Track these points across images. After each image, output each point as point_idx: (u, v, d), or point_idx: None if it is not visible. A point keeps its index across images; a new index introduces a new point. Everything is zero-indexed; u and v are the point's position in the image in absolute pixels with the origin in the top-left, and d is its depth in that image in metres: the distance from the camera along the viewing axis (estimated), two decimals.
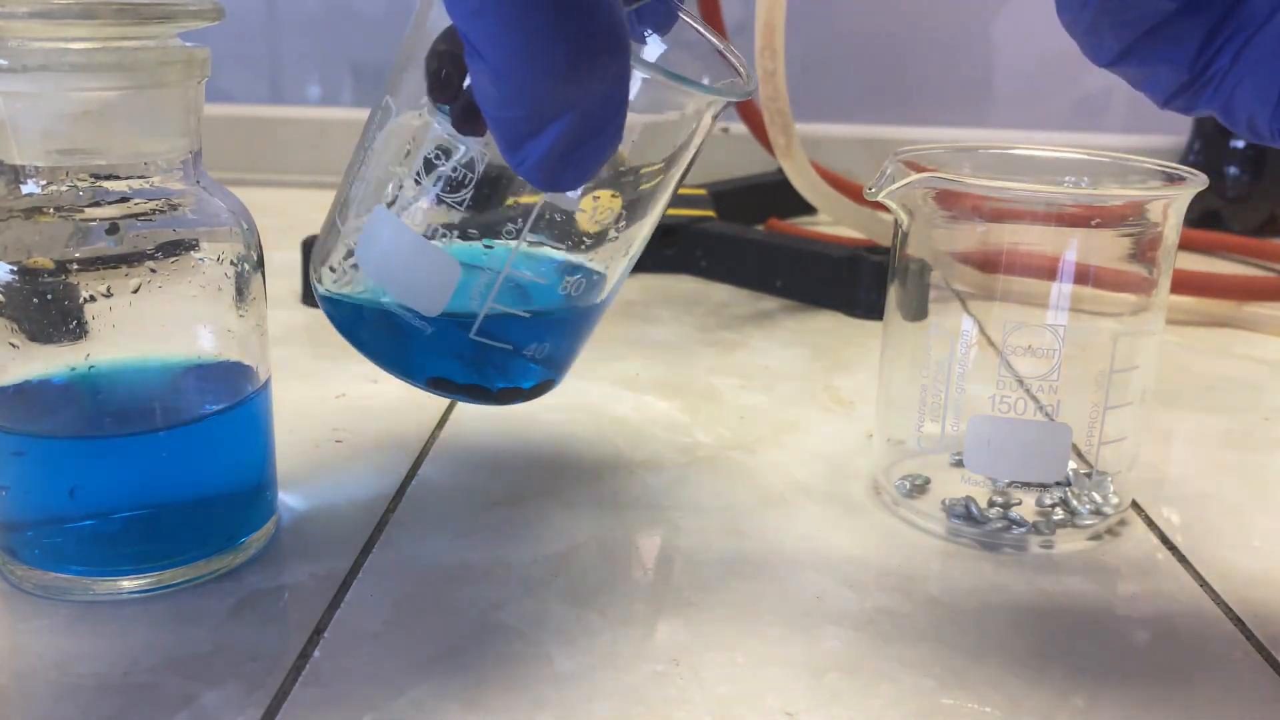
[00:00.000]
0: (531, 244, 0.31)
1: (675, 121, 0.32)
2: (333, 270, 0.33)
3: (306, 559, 0.35)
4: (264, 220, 0.35)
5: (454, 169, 0.30)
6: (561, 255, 0.32)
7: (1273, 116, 0.26)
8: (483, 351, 0.32)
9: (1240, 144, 0.89)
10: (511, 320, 0.32)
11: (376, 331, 0.33)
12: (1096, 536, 0.38)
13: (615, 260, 0.34)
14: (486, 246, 0.31)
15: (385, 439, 0.44)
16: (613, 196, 0.31)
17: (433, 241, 0.31)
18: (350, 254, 0.33)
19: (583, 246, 0.32)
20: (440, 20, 0.30)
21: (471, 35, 0.22)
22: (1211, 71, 0.27)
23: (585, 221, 0.31)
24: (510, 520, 0.38)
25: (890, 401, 0.40)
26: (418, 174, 0.31)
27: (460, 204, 0.30)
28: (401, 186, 0.31)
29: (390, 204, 0.31)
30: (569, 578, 0.34)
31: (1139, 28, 0.26)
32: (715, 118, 0.32)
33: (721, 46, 0.34)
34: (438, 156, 0.30)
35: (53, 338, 0.31)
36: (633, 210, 0.32)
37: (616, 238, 0.32)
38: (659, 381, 0.52)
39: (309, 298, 0.63)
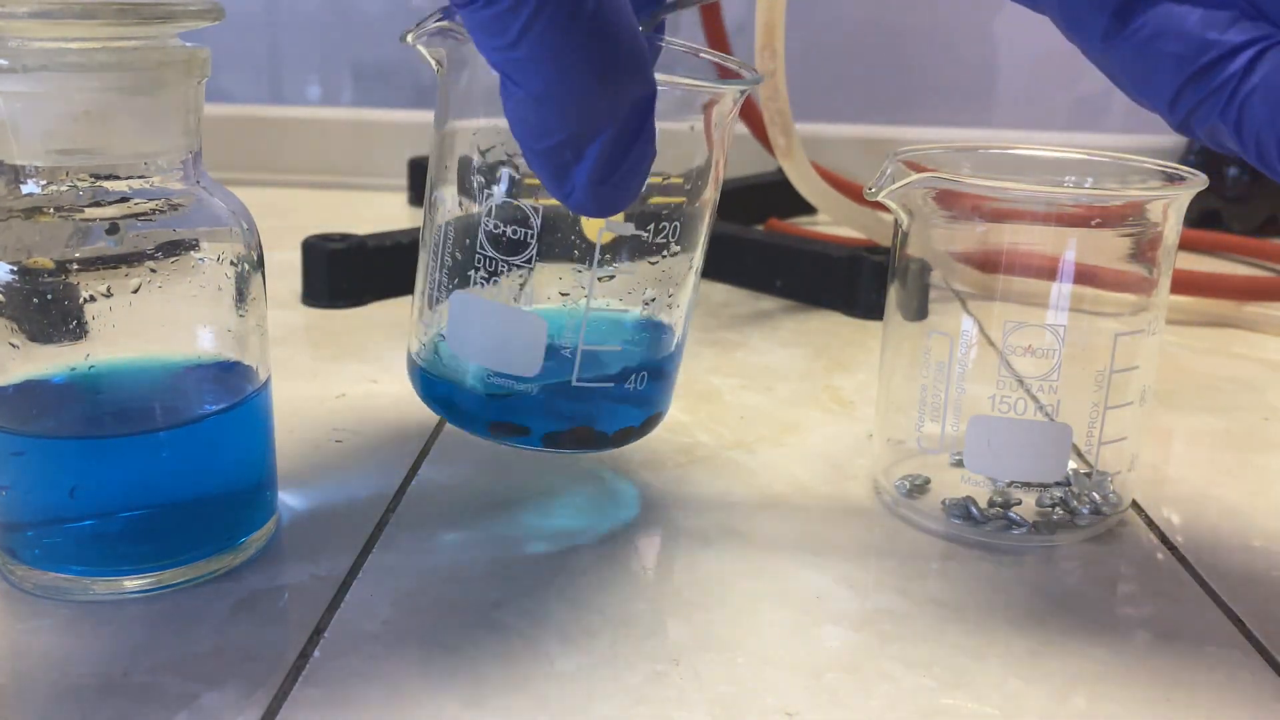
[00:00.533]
0: (602, 279, 0.32)
1: (692, 132, 0.33)
2: (430, 364, 0.35)
3: (306, 559, 0.35)
4: (264, 220, 0.35)
5: (514, 232, 0.32)
6: (633, 278, 0.33)
7: None
8: (588, 397, 0.34)
9: None
10: (606, 357, 0.34)
11: (488, 409, 0.34)
12: (1096, 536, 0.38)
13: (685, 276, 0.35)
14: (563, 295, 0.33)
15: (385, 439, 0.44)
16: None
17: (513, 305, 0.32)
18: (437, 349, 0.34)
19: (650, 263, 0.33)
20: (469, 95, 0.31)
21: (507, 68, 0.23)
22: (1224, 76, 0.23)
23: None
24: (510, 520, 0.38)
25: (890, 401, 0.40)
26: (480, 248, 0.32)
27: (528, 262, 0.32)
28: (470, 266, 0.33)
29: (464, 285, 0.33)
30: (569, 578, 0.34)
31: None
32: (736, 103, 0.33)
33: (717, 58, 0.35)
34: (495, 227, 0.32)
35: (53, 338, 0.31)
36: (685, 220, 0.33)
37: (679, 251, 0.34)
38: None
39: (309, 297, 0.63)
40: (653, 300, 0.34)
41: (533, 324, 0.32)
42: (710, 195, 0.34)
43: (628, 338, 0.35)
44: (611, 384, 0.34)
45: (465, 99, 0.33)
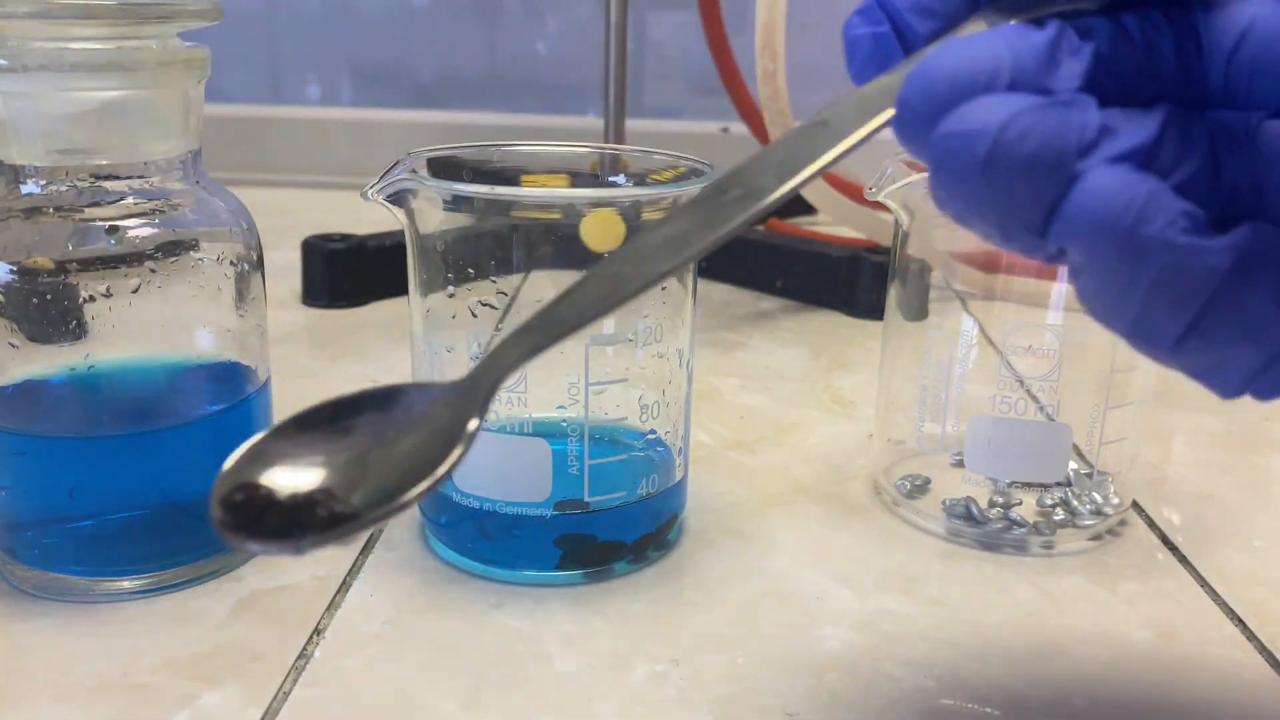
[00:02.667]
0: (597, 391, 0.33)
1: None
2: (444, 510, 0.35)
3: (306, 559, 0.35)
4: (264, 220, 0.35)
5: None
6: (625, 387, 0.33)
7: None
8: (604, 511, 0.33)
9: None
10: (613, 469, 0.34)
11: (504, 542, 0.34)
12: (1097, 537, 0.38)
13: (675, 374, 0.35)
14: (560, 410, 0.33)
15: None
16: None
17: (513, 435, 0.32)
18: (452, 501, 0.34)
19: (639, 366, 0.33)
20: None
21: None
22: None
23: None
24: None
25: (890, 401, 0.40)
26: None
27: (521, 387, 0.32)
28: None
29: None
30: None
31: (1198, 299, 0.19)
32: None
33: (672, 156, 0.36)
34: (476, 356, 0.32)
35: (52, 338, 0.31)
36: (667, 312, 0.34)
37: (663, 356, 0.34)
38: None
39: (309, 297, 0.63)
40: (648, 400, 0.34)
41: (536, 448, 0.32)
42: (689, 282, 0.35)
43: (629, 443, 0.35)
44: (623, 492, 0.34)
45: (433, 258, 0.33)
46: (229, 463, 0.20)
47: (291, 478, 0.20)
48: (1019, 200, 0.19)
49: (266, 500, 0.20)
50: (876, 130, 0.20)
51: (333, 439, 0.21)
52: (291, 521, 0.19)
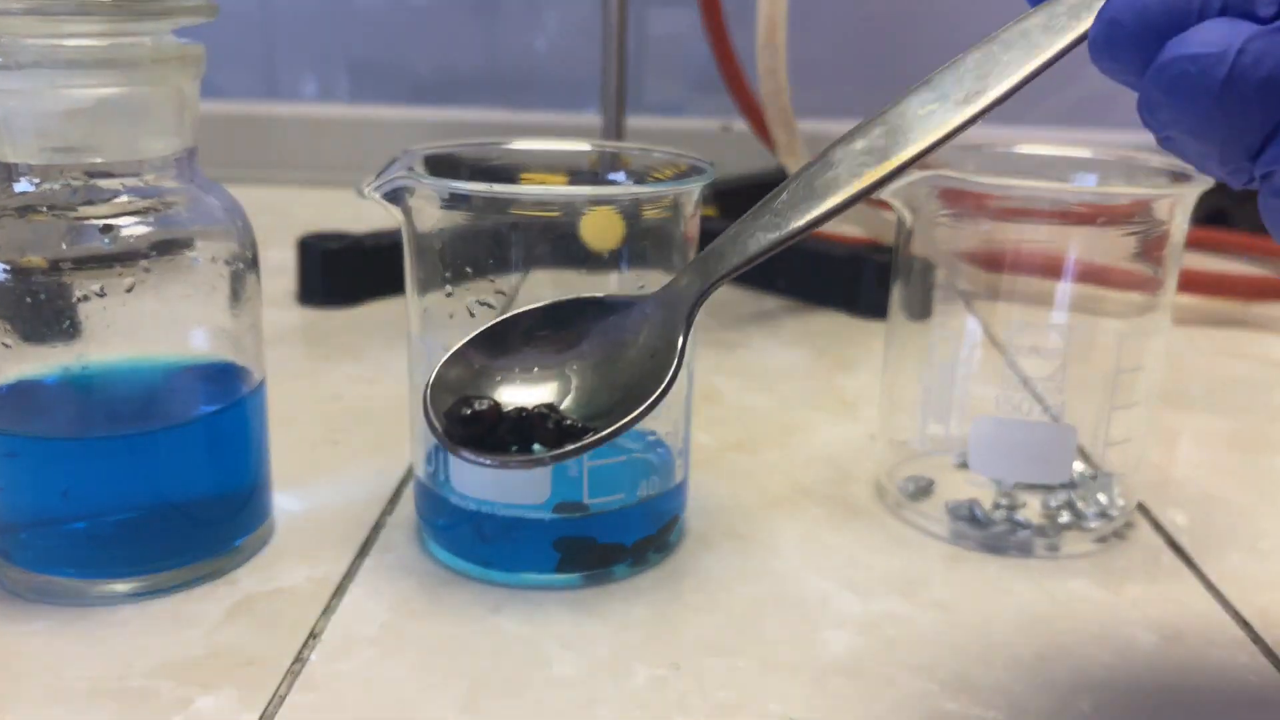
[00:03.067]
0: None
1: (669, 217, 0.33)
2: (441, 516, 0.35)
3: (302, 562, 0.34)
4: (259, 219, 0.35)
5: None
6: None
7: None
8: (603, 514, 0.33)
9: None
10: (612, 470, 0.33)
11: (503, 545, 0.33)
12: (1102, 539, 0.37)
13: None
14: None
15: (381, 441, 0.44)
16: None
17: None
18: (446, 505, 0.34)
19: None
20: None
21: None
22: None
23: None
24: None
25: (894, 402, 0.40)
26: None
27: None
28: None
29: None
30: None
31: None
32: (696, 204, 0.34)
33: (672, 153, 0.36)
34: None
35: (46, 338, 0.30)
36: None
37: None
38: None
39: (305, 297, 0.63)
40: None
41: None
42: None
43: (629, 443, 0.35)
44: (623, 494, 0.33)
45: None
46: (433, 376, 0.20)
47: (513, 394, 0.20)
48: (1245, 123, 0.19)
49: (493, 416, 0.19)
50: (1069, 48, 0.20)
51: (530, 354, 0.21)
52: (521, 437, 0.19)
